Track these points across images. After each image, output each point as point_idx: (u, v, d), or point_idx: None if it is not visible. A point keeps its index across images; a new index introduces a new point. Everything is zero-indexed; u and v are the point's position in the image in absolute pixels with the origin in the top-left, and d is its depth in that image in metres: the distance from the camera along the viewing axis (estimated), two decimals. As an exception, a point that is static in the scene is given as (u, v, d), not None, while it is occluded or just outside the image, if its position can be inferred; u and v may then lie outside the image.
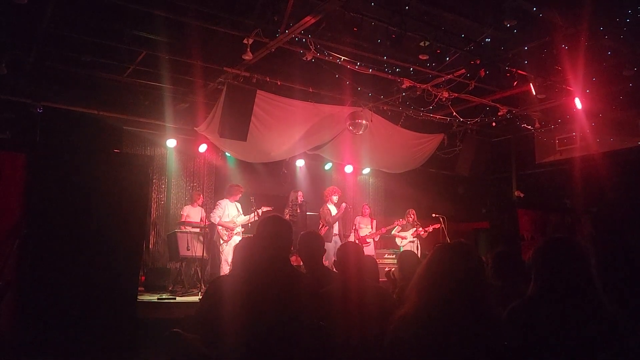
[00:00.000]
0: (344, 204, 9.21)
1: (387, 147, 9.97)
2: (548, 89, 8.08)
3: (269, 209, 8.34)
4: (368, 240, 9.62)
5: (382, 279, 9.17)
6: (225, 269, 8.13)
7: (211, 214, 8.54)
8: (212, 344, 2.84)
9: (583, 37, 6.62)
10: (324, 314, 2.89)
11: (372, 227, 9.90)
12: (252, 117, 7.76)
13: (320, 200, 9.68)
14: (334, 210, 9.22)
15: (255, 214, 8.29)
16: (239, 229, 8.51)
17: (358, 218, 9.95)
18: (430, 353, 2.06)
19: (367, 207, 10.25)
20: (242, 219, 8.54)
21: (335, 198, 9.32)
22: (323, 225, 9.16)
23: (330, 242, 8.74)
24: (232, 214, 8.54)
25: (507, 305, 2.37)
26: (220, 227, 8.42)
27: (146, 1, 6.18)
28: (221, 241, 8.35)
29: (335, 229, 9.24)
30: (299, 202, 9.27)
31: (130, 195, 6.06)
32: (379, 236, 9.97)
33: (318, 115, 8.64)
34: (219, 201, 8.73)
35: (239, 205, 8.72)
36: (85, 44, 7.34)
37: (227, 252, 8.17)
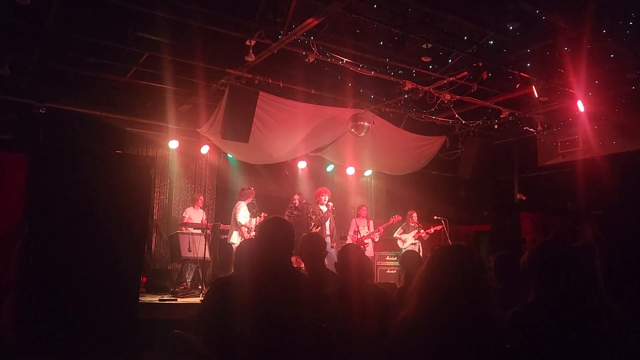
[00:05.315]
0: (330, 204, 9.16)
1: (389, 149, 9.96)
2: (550, 92, 8.06)
3: (265, 215, 8.39)
4: (366, 241, 9.59)
5: (383, 280, 9.23)
6: None
7: (238, 216, 8.68)
8: (213, 345, 2.84)
9: (586, 39, 6.61)
10: (325, 315, 2.88)
11: (369, 228, 9.87)
12: (254, 119, 7.76)
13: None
14: (324, 210, 9.19)
15: (258, 217, 8.35)
16: (253, 232, 8.63)
17: (355, 220, 9.89)
18: (431, 355, 2.05)
19: (365, 208, 10.21)
20: (253, 221, 8.68)
21: (324, 198, 9.22)
22: (314, 225, 9.06)
23: None
24: (248, 216, 8.74)
25: (508, 308, 2.36)
26: (244, 229, 8.61)
27: (149, 3, 6.19)
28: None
29: (327, 229, 9.11)
30: (296, 205, 9.25)
31: (132, 196, 6.07)
32: (379, 236, 9.91)
33: (320, 117, 8.64)
34: (239, 203, 8.86)
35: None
36: (88, 45, 7.35)
37: None
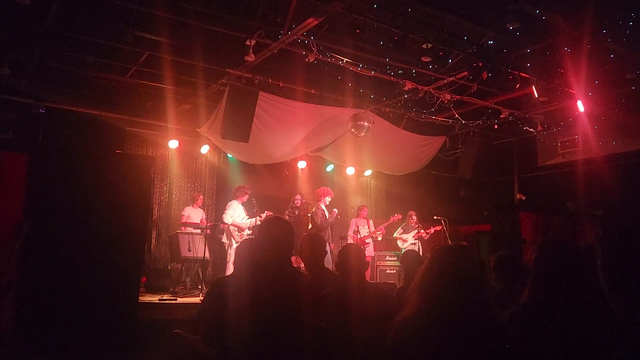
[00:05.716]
0: (335, 210, 8.92)
1: (389, 149, 9.96)
2: (550, 92, 8.07)
3: (270, 213, 8.33)
4: (367, 241, 9.57)
5: (383, 280, 9.22)
6: (231, 269, 8.14)
7: (223, 215, 8.60)
8: (213, 345, 2.84)
9: (586, 40, 6.61)
10: (325, 315, 2.88)
11: (369, 228, 9.85)
12: (254, 119, 7.77)
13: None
14: (327, 212, 8.98)
15: (259, 217, 8.32)
16: (248, 231, 8.57)
17: (355, 220, 9.86)
18: (431, 355, 2.05)
19: (366, 209, 10.17)
20: (249, 221, 8.62)
21: (327, 199, 9.05)
22: (312, 226, 8.83)
23: None
24: (241, 215, 8.67)
25: (508, 308, 2.36)
26: (232, 228, 8.51)
27: (149, 2, 6.19)
28: (234, 242, 8.36)
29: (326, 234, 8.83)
30: (298, 204, 9.24)
31: (132, 196, 6.07)
32: (381, 235, 9.89)
33: (320, 116, 8.64)
34: (230, 202, 8.79)
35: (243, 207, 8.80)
36: (88, 45, 7.36)
37: None
